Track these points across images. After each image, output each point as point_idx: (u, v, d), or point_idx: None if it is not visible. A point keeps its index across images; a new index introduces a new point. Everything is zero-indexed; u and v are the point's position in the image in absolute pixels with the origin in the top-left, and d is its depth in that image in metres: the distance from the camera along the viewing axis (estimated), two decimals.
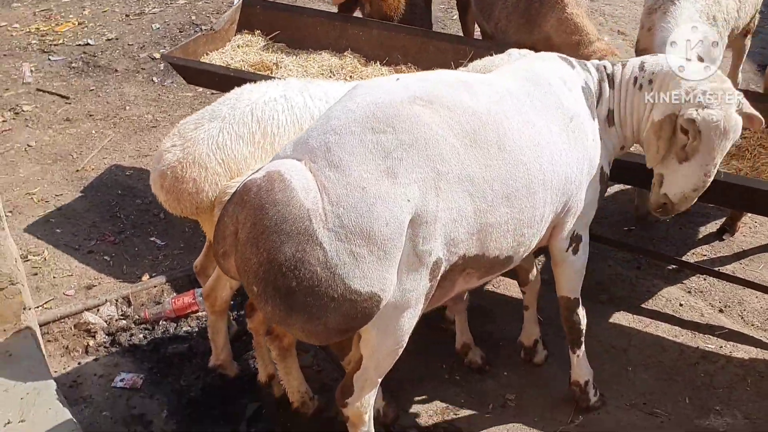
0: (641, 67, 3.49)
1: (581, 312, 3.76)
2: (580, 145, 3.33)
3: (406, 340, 3.02)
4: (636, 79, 3.49)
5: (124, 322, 4.43)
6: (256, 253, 2.66)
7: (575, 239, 3.52)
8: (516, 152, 3.05)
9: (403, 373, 4.10)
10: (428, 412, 3.94)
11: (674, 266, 4.82)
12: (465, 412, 3.93)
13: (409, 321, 2.96)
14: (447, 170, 2.84)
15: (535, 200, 3.13)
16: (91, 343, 4.30)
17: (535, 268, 4.01)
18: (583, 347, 3.84)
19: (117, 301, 4.57)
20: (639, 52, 4.50)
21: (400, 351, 3.06)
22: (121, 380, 4.03)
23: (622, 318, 4.48)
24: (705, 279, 4.72)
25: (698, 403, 3.93)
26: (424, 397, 4.03)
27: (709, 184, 3.35)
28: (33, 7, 8.63)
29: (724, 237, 5.05)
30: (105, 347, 4.28)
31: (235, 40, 5.34)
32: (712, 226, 5.16)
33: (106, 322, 4.44)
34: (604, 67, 3.56)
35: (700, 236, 5.11)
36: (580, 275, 3.66)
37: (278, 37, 5.38)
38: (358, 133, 2.77)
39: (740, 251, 4.97)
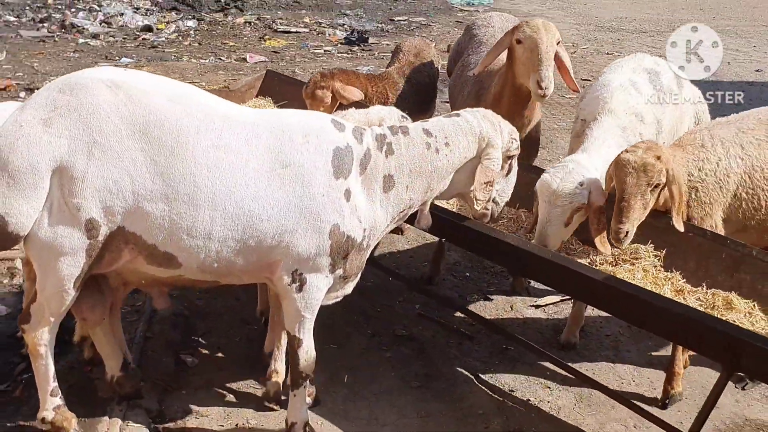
0: (428, 133, 3.80)
1: (303, 353, 3.80)
2: (291, 192, 3.51)
3: (69, 288, 3.48)
4: (429, 144, 3.78)
5: None
6: None
7: (298, 278, 3.62)
8: (189, 164, 3.38)
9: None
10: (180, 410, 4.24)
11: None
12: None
13: (67, 268, 3.43)
14: (104, 142, 3.32)
15: (198, 213, 3.40)
16: None
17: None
18: (302, 390, 3.87)
19: None
20: None
21: (67, 298, 3.53)
22: None
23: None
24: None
25: None
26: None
27: None
28: None
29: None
30: None
31: (249, 102, 6.20)
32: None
33: None
34: (384, 136, 3.78)
35: None
36: (299, 315, 3.72)
37: (286, 106, 6.13)
38: (52, 89, 3.42)
39: None
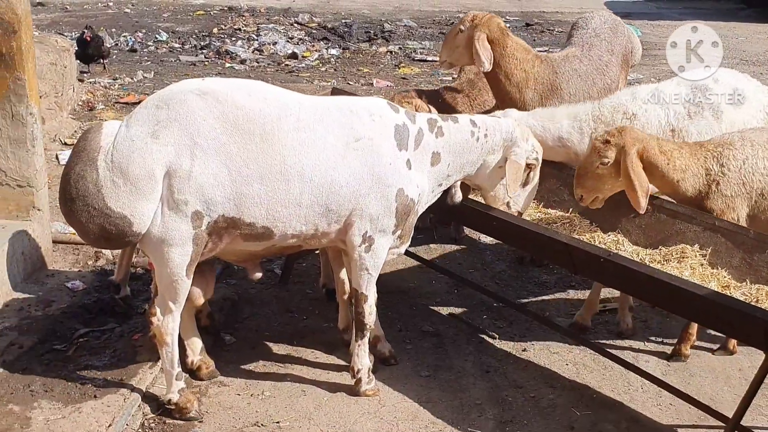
0: (474, 124, 4.54)
1: (367, 308, 4.42)
2: (364, 162, 4.16)
3: (182, 276, 4.03)
4: (473, 132, 4.50)
5: None
6: (66, 167, 4.09)
7: (367, 239, 4.26)
8: (277, 146, 3.99)
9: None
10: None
11: None
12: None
13: (179, 257, 3.99)
14: (203, 143, 3.93)
15: (290, 186, 4.01)
16: None
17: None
18: (365, 340, 4.49)
19: None
20: None
21: (180, 288, 4.08)
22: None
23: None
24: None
25: None
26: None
27: None
28: None
29: None
30: None
31: None
32: None
33: None
34: (435, 120, 4.47)
35: None
36: (368, 274, 4.36)
37: None
38: (150, 107, 4.03)
39: None
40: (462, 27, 5.77)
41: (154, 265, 4.15)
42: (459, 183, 4.73)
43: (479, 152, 4.55)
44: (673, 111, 5.09)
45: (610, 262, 4.17)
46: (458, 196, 4.76)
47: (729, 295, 4.21)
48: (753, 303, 4.16)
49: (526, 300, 5.82)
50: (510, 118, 4.78)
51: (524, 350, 5.12)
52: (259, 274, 4.63)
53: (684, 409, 4.48)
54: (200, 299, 4.53)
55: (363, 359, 4.53)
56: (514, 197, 4.73)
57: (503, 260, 6.36)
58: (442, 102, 6.17)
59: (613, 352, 4.91)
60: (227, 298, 5.53)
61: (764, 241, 4.41)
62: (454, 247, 6.59)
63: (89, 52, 11.12)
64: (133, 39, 15.14)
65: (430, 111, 5.36)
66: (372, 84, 12.17)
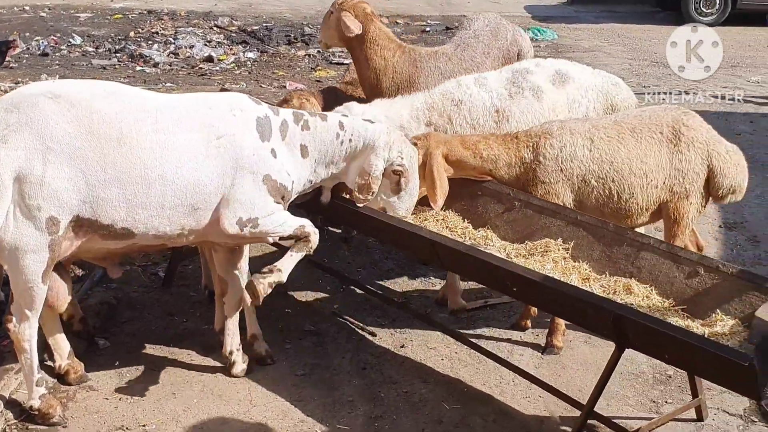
0: (342, 126, 4.51)
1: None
2: (227, 158, 4.12)
3: (38, 283, 3.93)
4: (338, 134, 4.49)
5: None
6: None
7: (248, 222, 4.21)
8: (136, 149, 3.91)
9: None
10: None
11: None
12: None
13: (33, 264, 3.88)
14: (57, 147, 3.81)
15: (151, 190, 3.94)
16: None
17: (237, 290, 4.60)
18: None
19: None
20: None
21: (36, 295, 3.98)
22: None
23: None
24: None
25: None
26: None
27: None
28: None
29: None
30: None
31: None
32: None
33: None
34: (301, 114, 4.49)
35: None
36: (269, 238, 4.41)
37: None
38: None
39: None
40: (332, 9, 5.88)
41: (8, 272, 4.01)
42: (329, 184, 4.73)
43: (342, 155, 4.54)
44: (496, 93, 5.27)
45: (470, 257, 4.22)
46: (326, 196, 4.78)
47: (587, 287, 4.32)
48: (610, 294, 4.27)
49: (410, 296, 5.87)
50: (381, 124, 4.71)
51: (402, 346, 5.14)
52: (119, 273, 4.58)
53: (552, 401, 4.54)
54: (62, 305, 4.39)
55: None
56: (390, 203, 4.72)
57: (392, 259, 6.38)
58: (330, 101, 6.17)
59: (490, 344, 5.04)
60: (104, 302, 5.43)
61: (622, 235, 4.54)
62: (344, 247, 6.59)
63: None
64: (45, 43, 14.84)
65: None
66: (285, 86, 12.12)
